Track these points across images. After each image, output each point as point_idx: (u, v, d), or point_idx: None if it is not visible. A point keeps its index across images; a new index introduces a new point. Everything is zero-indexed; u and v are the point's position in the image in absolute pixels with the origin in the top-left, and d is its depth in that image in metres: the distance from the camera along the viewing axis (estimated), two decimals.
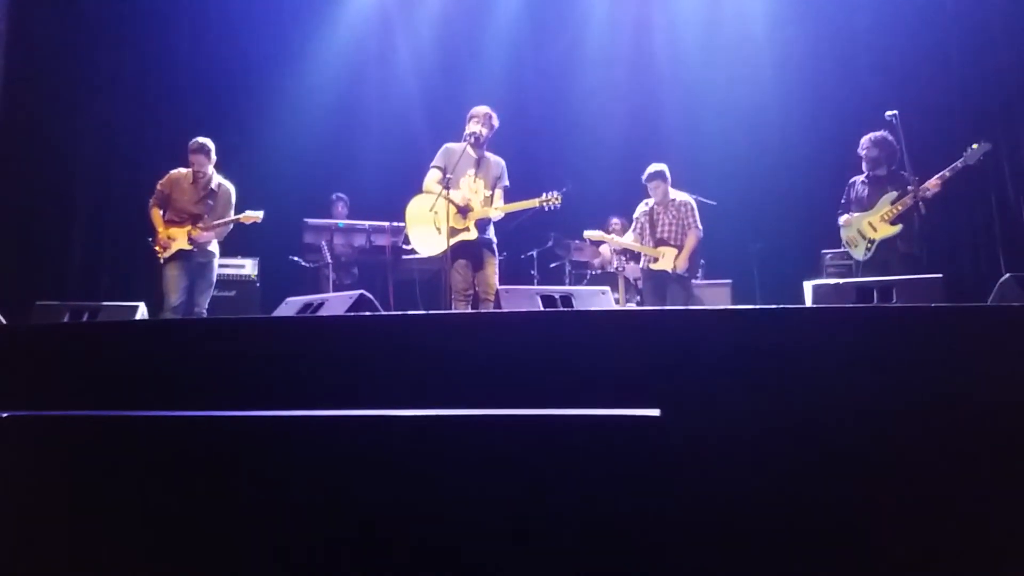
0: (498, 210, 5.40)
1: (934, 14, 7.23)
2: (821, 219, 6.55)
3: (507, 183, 5.56)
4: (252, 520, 2.16)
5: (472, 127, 5.44)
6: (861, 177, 5.89)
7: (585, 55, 8.71)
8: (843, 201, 5.96)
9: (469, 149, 5.37)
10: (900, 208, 5.50)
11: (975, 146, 5.38)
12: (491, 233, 5.51)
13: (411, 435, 2.13)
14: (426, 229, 5.36)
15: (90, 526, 2.24)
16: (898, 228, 5.54)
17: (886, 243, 5.61)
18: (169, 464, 2.25)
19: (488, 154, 5.56)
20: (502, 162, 5.60)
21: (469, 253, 5.35)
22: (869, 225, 5.69)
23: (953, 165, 5.38)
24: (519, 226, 6.51)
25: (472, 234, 5.28)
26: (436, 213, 5.24)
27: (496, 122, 5.54)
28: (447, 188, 5.19)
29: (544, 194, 5.33)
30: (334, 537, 2.11)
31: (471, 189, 5.38)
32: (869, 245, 5.68)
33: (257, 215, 5.99)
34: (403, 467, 2.11)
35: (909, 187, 5.38)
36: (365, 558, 2.08)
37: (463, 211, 5.31)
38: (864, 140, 5.81)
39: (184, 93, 8.10)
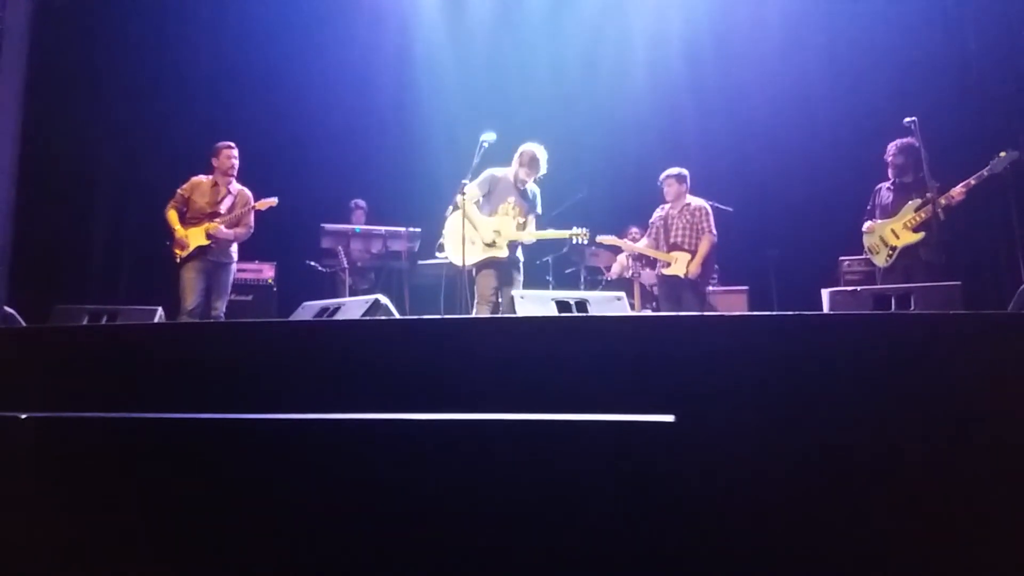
0: (530, 236, 5.80)
1: (953, 19, 7.18)
2: (838, 226, 6.51)
3: (539, 211, 5.94)
4: (266, 522, 2.17)
5: (524, 173, 5.79)
6: (887, 184, 5.87)
7: (602, 61, 8.69)
8: (868, 207, 5.92)
9: (510, 176, 5.82)
10: (924, 215, 5.45)
11: (1002, 154, 5.32)
12: (519, 253, 5.87)
13: (425, 439, 2.13)
14: (459, 242, 5.62)
15: (107, 526, 2.26)
16: (920, 236, 5.50)
17: (908, 250, 5.57)
18: (185, 466, 2.26)
19: (528, 184, 5.90)
20: (537, 190, 5.96)
21: (498, 267, 5.72)
22: (892, 232, 5.65)
23: (979, 173, 5.33)
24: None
25: (503, 252, 5.68)
26: (475, 230, 5.71)
27: (543, 167, 5.82)
28: (483, 209, 5.75)
29: (575, 227, 5.77)
30: (350, 540, 2.11)
31: (509, 215, 5.75)
32: (891, 252, 5.63)
33: (272, 200, 6.20)
34: (418, 471, 2.11)
35: (928, 193, 5.34)
36: (378, 561, 2.08)
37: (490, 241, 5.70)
38: (891, 147, 5.79)
39: (203, 99, 8.17)
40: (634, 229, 7.49)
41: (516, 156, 5.86)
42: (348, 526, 2.13)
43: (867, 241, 5.85)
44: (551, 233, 5.84)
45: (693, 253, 6.30)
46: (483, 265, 5.68)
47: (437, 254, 6.22)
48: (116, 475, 2.31)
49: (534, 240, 5.87)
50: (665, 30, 8.64)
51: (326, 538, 2.13)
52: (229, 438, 2.27)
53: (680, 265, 6.30)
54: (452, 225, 5.77)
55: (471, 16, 9.02)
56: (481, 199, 5.79)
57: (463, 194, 5.53)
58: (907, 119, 5.44)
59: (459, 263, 5.63)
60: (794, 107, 7.81)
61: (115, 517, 2.27)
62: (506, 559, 2.04)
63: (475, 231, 5.67)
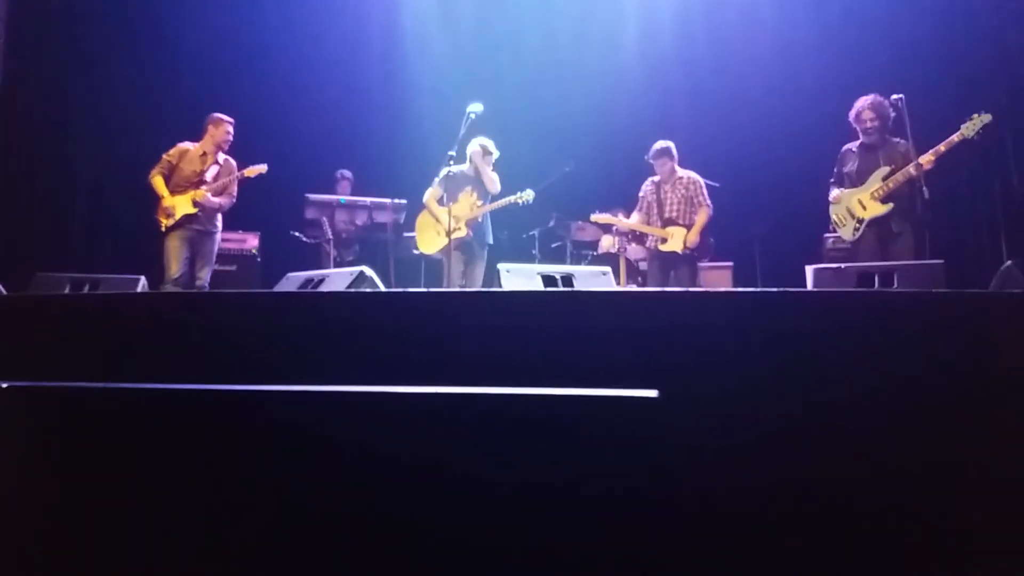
0: (481, 209, 6.30)
1: None
2: (824, 203, 6.50)
3: (498, 188, 6.40)
4: (249, 495, 2.17)
5: (474, 161, 6.38)
6: (854, 145, 5.65)
7: (591, 33, 8.63)
8: (835, 170, 5.71)
9: (467, 171, 6.36)
10: (891, 185, 5.27)
11: (974, 117, 5.07)
12: (489, 237, 6.40)
13: (408, 412, 2.13)
14: (429, 234, 6.51)
15: (84, 499, 2.25)
16: (889, 207, 5.30)
17: (876, 222, 5.38)
18: (166, 437, 2.26)
19: (485, 172, 6.37)
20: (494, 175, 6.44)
21: (463, 248, 6.30)
22: (859, 203, 5.45)
23: (949, 139, 5.10)
24: (523, 205, 6.48)
25: (463, 232, 6.21)
26: (438, 223, 6.37)
27: (494, 152, 6.42)
28: (446, 204, 6.25)
29: (518, 192, 6.25)
30: (333, 511, 2.12)
31: (467, 203, 6.29)
32: (858, 225, 5.44)
33: (261, 168, 6.21)
34: (399, 444, 2.12)
35: (894, 164, 5.26)
36: (362, 537, 2.09)
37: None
38: (862, 104, 5.54)
39: (186, 67, 8.06)
40: (620, 214, 7.46)
41: (470, 155, 6.38)
42: (329, 497, 2.14)
43: (834, 212, 5.63)
44: (498, 202, 6.29)
45: (688, 228, 6.24)
46: (451, 248, 6.18)
47: (414, 251, 6.82)
48: (98, 444, 2.30)
49: (480, 215, 6.30)
50: (655, 3, 8.58)
51: (310, 511, 2.13)
52: (211, 408, 2.27)
53: (677, 241, 6.25)
54: (420, 221, 6.55)
55: None
56: (444, 196, 6.29)
57: (446, 204, 6.19)
58: (894, 96, 5.37)
59: (430, 252, 6.48)
60: (781, 83, 7.79)
61: (95, 488, 2.26)
62: (489, 531, 2.05)
63: (438, 223, 6.30)
